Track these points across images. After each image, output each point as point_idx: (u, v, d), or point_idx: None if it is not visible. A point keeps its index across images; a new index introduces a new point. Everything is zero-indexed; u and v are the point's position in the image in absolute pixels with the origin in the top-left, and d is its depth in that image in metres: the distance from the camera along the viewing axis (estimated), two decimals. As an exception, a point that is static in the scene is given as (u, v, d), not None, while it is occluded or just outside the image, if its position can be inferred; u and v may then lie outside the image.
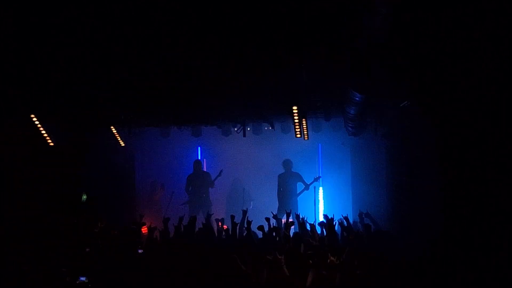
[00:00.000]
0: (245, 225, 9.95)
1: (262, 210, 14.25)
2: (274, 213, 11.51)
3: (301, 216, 10.94)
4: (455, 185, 6.95)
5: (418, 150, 8.93)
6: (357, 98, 8.82)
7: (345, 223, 10.51)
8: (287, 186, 14.49)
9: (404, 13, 5.62)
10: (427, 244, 7.89)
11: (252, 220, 9.86)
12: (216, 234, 10.32)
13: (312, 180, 14.47)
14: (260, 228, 9.65)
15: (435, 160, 7.86)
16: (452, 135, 6.93)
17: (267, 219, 10.22)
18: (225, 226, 11.18)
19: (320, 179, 14.90)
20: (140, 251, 9.35)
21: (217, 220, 11.65)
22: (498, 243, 5.78)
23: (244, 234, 9.85)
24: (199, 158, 16.25)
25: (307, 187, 14.41)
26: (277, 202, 14.46)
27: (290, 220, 10.56)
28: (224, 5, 6.48)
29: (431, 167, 8.22)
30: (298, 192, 14.51)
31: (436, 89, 7.09)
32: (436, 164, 7.83)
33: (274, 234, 9.45)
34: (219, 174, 15.02)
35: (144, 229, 11.05)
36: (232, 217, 10.08)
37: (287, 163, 14.68)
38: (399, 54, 6.90)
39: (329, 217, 10.26)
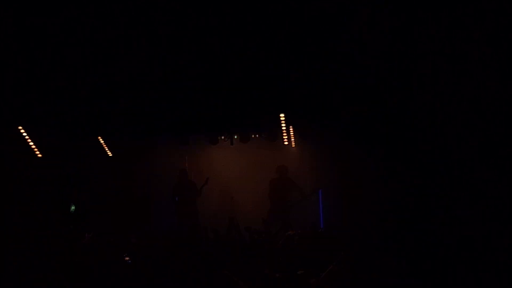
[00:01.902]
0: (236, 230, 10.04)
1: (251, 218, 14.29)
2: (263, 218, 11.52)
3: None
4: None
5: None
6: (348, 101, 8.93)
7: None
8: (279, 191, 14.30)
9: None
10: None
11: (238, 224, 9.91)
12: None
13: (309, 193, 14.17)
14: (248, 229, 9.66)
15: None
16: None
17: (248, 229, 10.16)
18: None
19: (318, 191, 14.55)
20: (126, 258, 9.38)
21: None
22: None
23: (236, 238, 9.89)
24: (186, 167, 16.15)
25: (303, 199, 14.11)
26: (267, 208, 14.37)
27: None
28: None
29: None
30: (290, 203, 14.27)
31: None
32: None
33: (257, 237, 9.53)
34: (206, 182, 14.81)
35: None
36: (231, 219, 10.12)
37: (281, 169, 14.46)
38: None
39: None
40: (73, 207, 12.62)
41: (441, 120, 7.12)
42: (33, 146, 11.40)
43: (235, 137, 13.56)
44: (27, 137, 11.21)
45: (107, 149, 13.12)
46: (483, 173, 5.88)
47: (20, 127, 11.07)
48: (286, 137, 11.47)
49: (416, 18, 6.02)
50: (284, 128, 11.07)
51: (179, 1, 6.16)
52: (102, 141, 12.90)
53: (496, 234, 5.91)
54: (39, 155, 11.55)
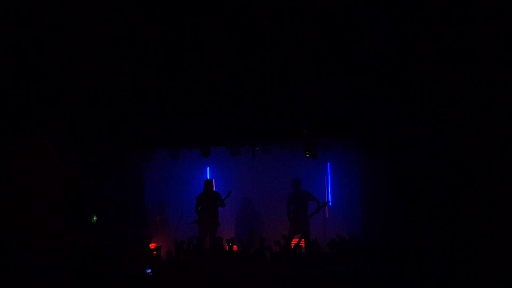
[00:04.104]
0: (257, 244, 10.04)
1: (273, 230, 14.28)
2: (284, 234, 11.56)
3: None
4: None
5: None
6: (365, 115, 8.90)
7: None
8: (298, 205, 14.39)
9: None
10: None
11: (264, 237, 9.93)
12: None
13: (322, 204, 14.34)
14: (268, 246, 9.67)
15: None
16: None
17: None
18: (235, 247, 11.20)
19: (329, 203, 14.60)
20: (148, 271, 9.39)
21: (227, 241, 11.63)
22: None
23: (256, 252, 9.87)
24: (208, 178, 16.21)
25: (317, 210, 14.27)
26: (288, 222, 14.41)
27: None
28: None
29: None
30: (309, 214, 14.37)
31: None
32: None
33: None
34: (228, 195, 14.90)
35: (152, 245, 11.09)
36: (251, 232, 10.15)
37: (296, 182, 14.60)
38: None
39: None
40: (94, 218, 12.65)
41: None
42: (55, 156, 11.46)
43: (257, 149, 13.56)
44: (49, 146, 11.28)
45: (129, 159, 13.16)
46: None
47: (41, 136, 11.14)
48: (308, 149, 11.43)
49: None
50: (306, 140, 11.05)
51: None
52: (124, 151, 12.95)
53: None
54: (62, 166, 11.61)
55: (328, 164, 15.94)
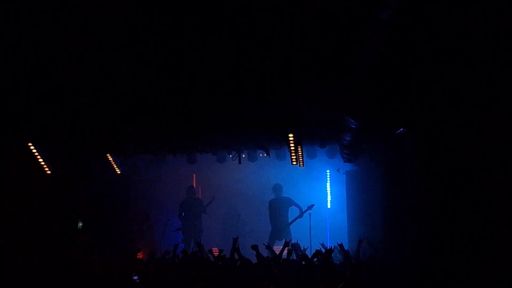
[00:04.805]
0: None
1: (259, 237, 14.32)
2: (266, 244, 11.60)
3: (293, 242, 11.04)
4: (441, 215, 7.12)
5: (408, 177, 9.05)
6: (352, 125, 8.92)
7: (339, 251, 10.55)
8: (279, 211, 14.48)
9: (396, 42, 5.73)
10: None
11: (238, 247, 9.94)
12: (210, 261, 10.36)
13: (306, 208, 14.41)
14: (254, 247, 9.66)
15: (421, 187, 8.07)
16: (440, 165, 7.08)
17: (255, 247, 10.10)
18: (215, 250, 11.26)
19: (314, 207, 14.68)
20: (135, 277, 9.40)
21: (210, 251, 11.62)
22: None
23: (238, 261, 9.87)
24: (194, 184, 16.24)
25: (301, 215, 14.33)
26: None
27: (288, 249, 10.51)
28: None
29: (418, 195, 8.37)
30: (290, 221, 14.42)
31: (427, 119, 7.24)
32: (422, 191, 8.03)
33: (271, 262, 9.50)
34: (211, 201, 15.03)
35: (140, 255, 11.10)
36: (235, 240, 10.16)
37: (277, 188, 14.69)
38: (391, 83, 7.02)
39: (326, 245, 10.29)
40: (80, 224, 12.63)
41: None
42: (43, 163, 11.44)
43: (243, 156, 13.62)
44: (36, 153, 11.27)
45: (115, 166, 13.17)
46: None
47: (29, 144, 11.13)
48: (294, 156, 11.47)
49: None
50: (292, 147, 11.08)
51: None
52: (111, 158, 12.96)
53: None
54: (48, 172, 11.59)
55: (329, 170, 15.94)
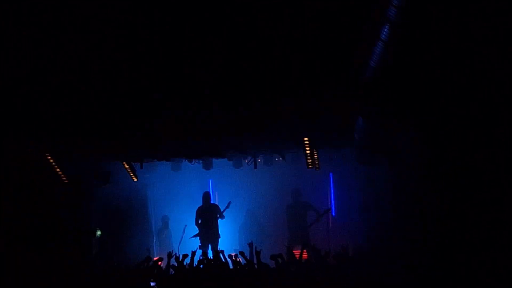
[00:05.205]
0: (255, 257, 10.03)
1: (277, 241, 14.31)
2: (287, 245, 11.57)
3: None
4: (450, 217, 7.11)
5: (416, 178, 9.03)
6: (364, 126, 8.93)
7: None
8: (297, 216, 14.47)
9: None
10: None
11: (261, 250, 9.92)
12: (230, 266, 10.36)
13: (322, 212, 14.39)
14: (273, 257, 9.67)
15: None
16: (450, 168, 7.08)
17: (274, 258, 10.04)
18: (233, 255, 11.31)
19: (330, 211, 14.63)
20: (152, 284, 9.43)
21: (229, 256, 11.63)
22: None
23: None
24: (210, 190, 16.23)
25: (318, 219, 14.32)
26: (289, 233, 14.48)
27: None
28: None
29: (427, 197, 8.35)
30: (308, 224, 14.41)
31: (436, 119, 7.22)
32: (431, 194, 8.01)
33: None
34: (228, 206, 15.01)
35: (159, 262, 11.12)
36: (251, 245, 10.15)
37: (295, 193, 14.68)
38: (400, 84, 7.01)
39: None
40: (98, 232, 12.70)
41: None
42: (60, 173, 11.53)
43: (259, 160, 13.62)
44: (54, 163, 11.36)
45: (132, 174, 13.25)
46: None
47: (47, 154, 11.21)
48: (310, 160, 11.47)
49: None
50: (308, 151, 11.09)
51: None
52: (127, 166, 13.03)
53: None
54: (66, 181, 11.68)
55: (331, 174, 15.93)
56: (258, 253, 9.83)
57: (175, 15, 6.02)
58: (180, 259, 10.26)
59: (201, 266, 10.01)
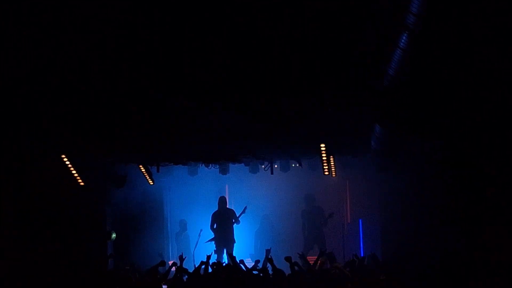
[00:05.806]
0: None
1: (292, 246, 14.26)
2: (300, 253, 11.53)
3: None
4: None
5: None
6: (382, 134, 8.86)
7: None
8: (311, 221, 14.46)
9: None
10: None
11: (271, 257, 9.91)
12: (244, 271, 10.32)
13: (327, 216, 14.40)
14: (288, 259, 9.64)
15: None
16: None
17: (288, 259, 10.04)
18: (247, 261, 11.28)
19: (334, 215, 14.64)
20: (164, 287, 9.45)
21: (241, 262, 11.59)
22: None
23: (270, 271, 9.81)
24: (226, 195, 16.19)
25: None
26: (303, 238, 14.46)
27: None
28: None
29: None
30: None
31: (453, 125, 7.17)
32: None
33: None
34: (243, 211, 14.98)
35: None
36: (267, 251, 10.14)
37: (308, 198, 14.70)
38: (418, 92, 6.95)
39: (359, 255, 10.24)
40: (114, 235, 12.72)
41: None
42: (76, 175, 11.56)
43: (275, 166, 13.59)
44: (70, 165, 11.39)
45: (148, 178, 13.27)
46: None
47: (63, 156, 11.25)
48: (326, 166, 11.41)
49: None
50: (324, 158, 11.02)
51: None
52: (144, 170, 13.06)
53: None
54: (82, 183, 11.71)
55: (347, 181, 15.84)
56: (271, 260, 9.80)
57: (175, 15, 6.01)
58: (196, 266, 10.25)
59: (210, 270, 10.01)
